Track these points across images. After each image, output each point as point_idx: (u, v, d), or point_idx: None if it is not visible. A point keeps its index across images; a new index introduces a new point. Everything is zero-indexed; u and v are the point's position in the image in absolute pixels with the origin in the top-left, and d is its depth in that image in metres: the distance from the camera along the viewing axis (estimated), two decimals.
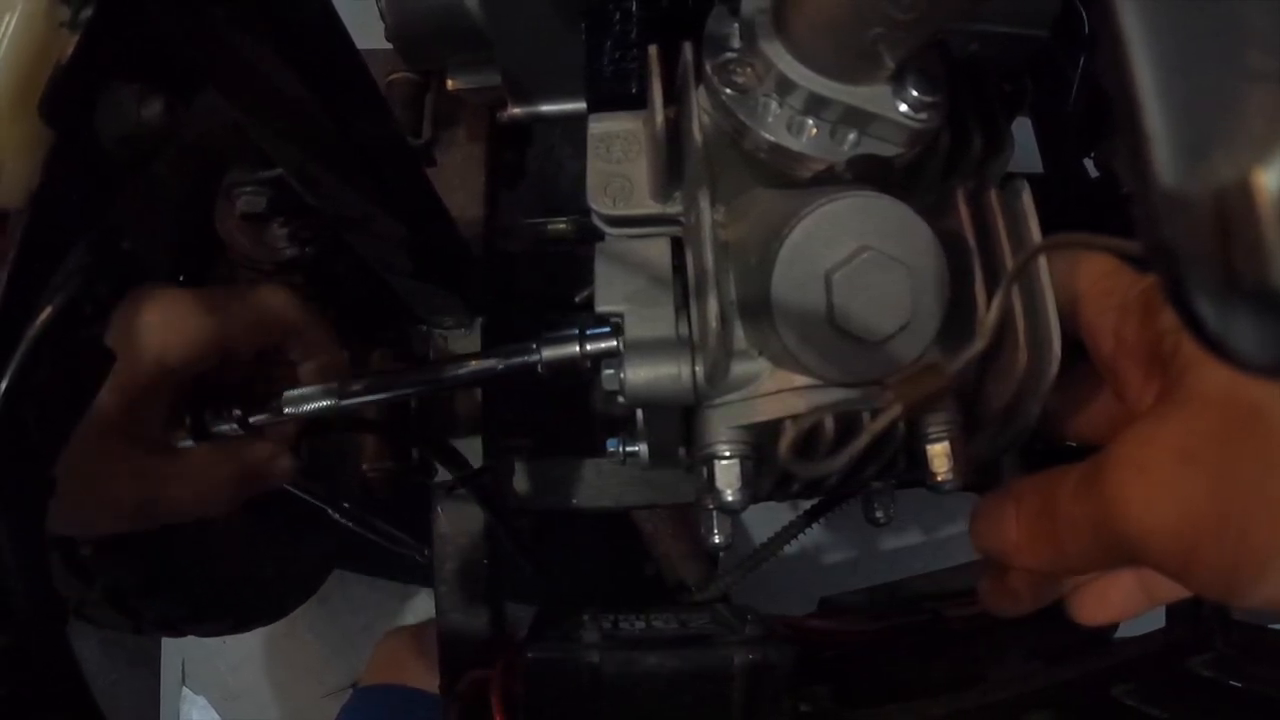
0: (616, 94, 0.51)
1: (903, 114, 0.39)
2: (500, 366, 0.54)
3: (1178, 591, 0.40)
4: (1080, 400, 0.44)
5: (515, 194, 0.86)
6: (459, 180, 0.75)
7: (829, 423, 0.39)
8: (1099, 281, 0.41)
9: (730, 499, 0.41)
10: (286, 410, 0.55)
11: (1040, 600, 0.46)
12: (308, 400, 0.55)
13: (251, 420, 0.55)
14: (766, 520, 1.03)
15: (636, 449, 0.50)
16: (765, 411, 0.41)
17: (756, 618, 0.63)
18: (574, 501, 0.74)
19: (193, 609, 0.96)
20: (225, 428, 0.55)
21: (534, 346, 0.51)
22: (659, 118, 0.44)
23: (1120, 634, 0.63)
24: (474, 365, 0.55)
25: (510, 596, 0.73)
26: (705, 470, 0.42)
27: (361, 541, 0.81)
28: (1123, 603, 0.43)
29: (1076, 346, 0.42)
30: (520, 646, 0.58)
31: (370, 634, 1.39)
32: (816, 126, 0.41)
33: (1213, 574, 0.32)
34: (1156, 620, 0.70)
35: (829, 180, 0.41)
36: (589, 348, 0.48)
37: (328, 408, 0.55)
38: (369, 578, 1.43)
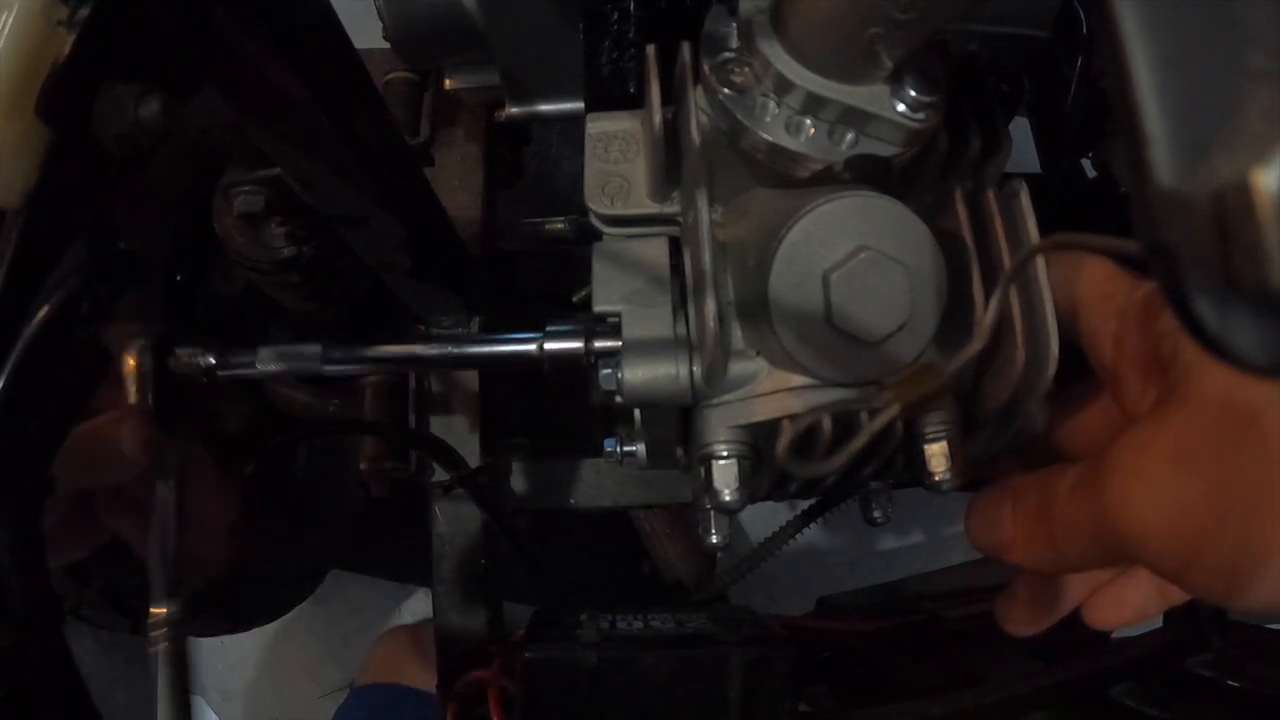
0: (614, 94, 0.51)
1: (901, 114, 0.39)
2: (499, 353, 0.53)
3: None
4: (1079, 414, 0.44)
5: (513, 194, 0.86)
6: (457, 180, 0.75)
7: (826, 423, 0.39)
8: (1099, 287, 0.41)
9: (728, 499, 0.41)
10: (259, 366, 0.53)
11: (1049, 611, 0.46)
12: (285, 359, 0.54)
13: (220, 374, 0.54)
14: (765, 520, 1.03)
15: (634, 449, 0.50)
16: (763, 411, 0.41)
17: (754, 617, 0.63)
18: (572, 501, 0.74)
19: (191, 609, 0.95)
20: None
21: (537, 337, 0.50)
22: (657, 117, 0.44)
23: (1119, 634, 0.63)
24: (472, 349, 0.55)
25: (508, 596, 0.73)
26: (703, 470, 0.42)
27: (361, 541, 0.81)
28: (1139, 605, 0.43)
29: (1076, 357, 0.42)
30: (518, 646, 0.58)
31: (368, 634, 1.39)
32: (814, 126, 0.41)
33: (1210, 575, 0.32)
34: (1155, 620, 0.70)
35: (827, 180, 0.41)
36: (595, 344, 0.47)
37: (305, 369, 0.54)
38: (367, 578, 1.43)
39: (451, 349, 0.55)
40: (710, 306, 0.40)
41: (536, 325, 0.50)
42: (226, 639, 1.40)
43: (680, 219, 0.47)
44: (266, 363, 0.54)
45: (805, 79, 0.40)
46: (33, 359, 0.31)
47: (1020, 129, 0.68)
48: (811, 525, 0.69)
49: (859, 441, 0.37)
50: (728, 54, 0.43)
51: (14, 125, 0.29)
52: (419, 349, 0.56)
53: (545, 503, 0.74)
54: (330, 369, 0.54)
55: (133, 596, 0.88)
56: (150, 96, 0.32)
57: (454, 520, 0.70)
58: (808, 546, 1.37)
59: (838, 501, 0.66)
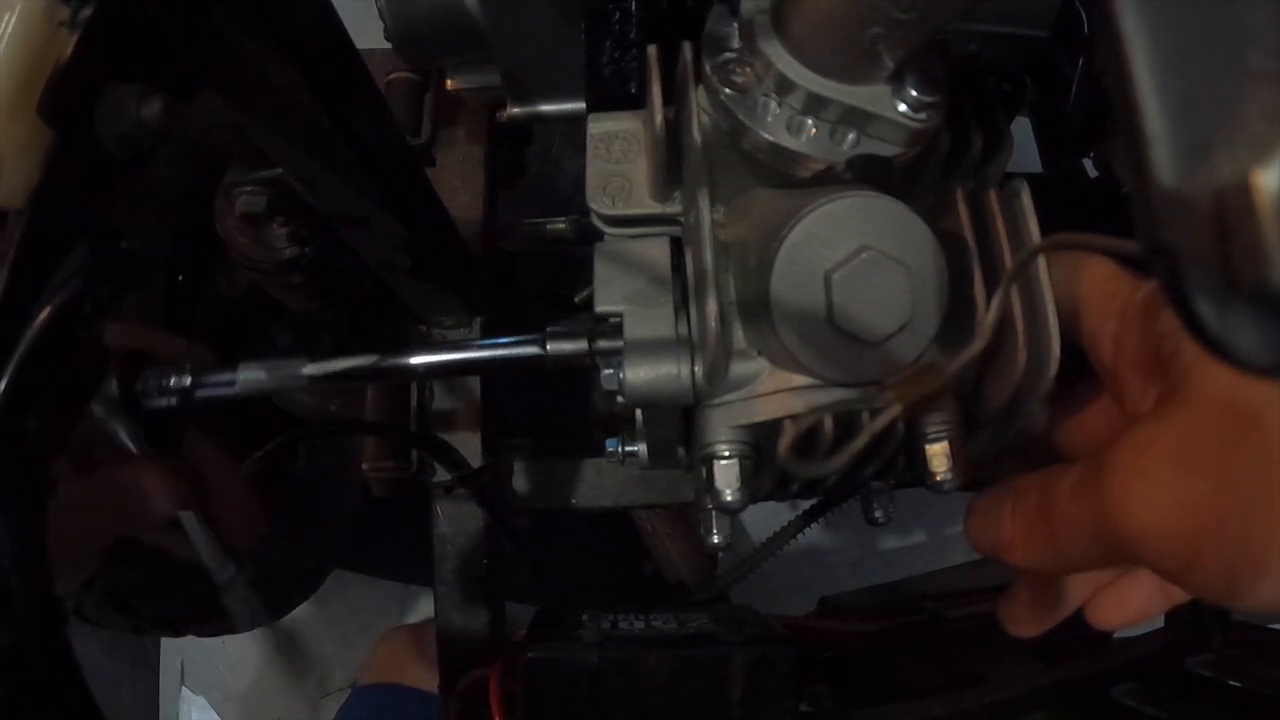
0: (616, 94, 0.51)
1: (902, 114, 0.39)
2: (501, 356, 0.51)
3: None
4: (1080, 414, 0.44)
5: (514, 194, 0.86)
6: (458, 180, 0.75)
7: (828, 423, 0.39)
8: (1101, 287, 0.41)
9: (729, 499, 0.41)
10: (240, 381, 0.50)
11: (1051, 611, 0.46)
12: (269, 371, 0.51)
13: (198, 394, 0.50)
14: (766, 520, 1.03)
15: (636, 449, 0.50)
16: (764, 411, 0.41)
17: (756, 617, 0.63)
18: (574, 501, 0.74)
19: (192, 609, 0.96)
20: (164, 402, 0.50)
21: (539, 339, 0.49)
22: (658, 117, 0.44)
23: (1120, 633, 0.63)
24: (472, 354, 0.52)
25: (510, 596, 0.73)
26: (704, 470, 0.42)
27: (362, 541, 0.81)
28: (1142, 604, 0.43)
29: (1077, 357, 0.42)
30: (519, 646, 0.58)
31: (369, 634, 1.39)
32: (816, 126, 0.41)
33: (1212, 575, 0.32)
34: (1156, 620, 0.70)
35: (828, 180, 0.41)
36: (599, 344, 0.47)
37: (291, 383, 0.51)
38: (369, 578, 1.43)
39: (453, 355, 0.53)
40: (712, 306, 0.40)
41: (537, 325, 0.50)
42: (227, 639, 1.40)
43: (682, 219, 0.47)
44: (250, 374, 0.51)
45: (807, 79, 0.40)
46: (35, 359, 0.31)
47: (1021, 128, 0.68)
48: (813, 525, 0.69)
49: (860, 441, 0.37)
50: (729, 54, 0.42)
51: (16, 126, 0.29)
52: (418, 360, 0.53)
53: (547, 503, 0.75)
54: (317, 380, 0.52)
55: (135, 596, 0.88)
56: (152, 97, 0.32)
57: (456, 520, 0.70)
58: (809, 546, 1.37)
59: (839, 501, 0.66)
